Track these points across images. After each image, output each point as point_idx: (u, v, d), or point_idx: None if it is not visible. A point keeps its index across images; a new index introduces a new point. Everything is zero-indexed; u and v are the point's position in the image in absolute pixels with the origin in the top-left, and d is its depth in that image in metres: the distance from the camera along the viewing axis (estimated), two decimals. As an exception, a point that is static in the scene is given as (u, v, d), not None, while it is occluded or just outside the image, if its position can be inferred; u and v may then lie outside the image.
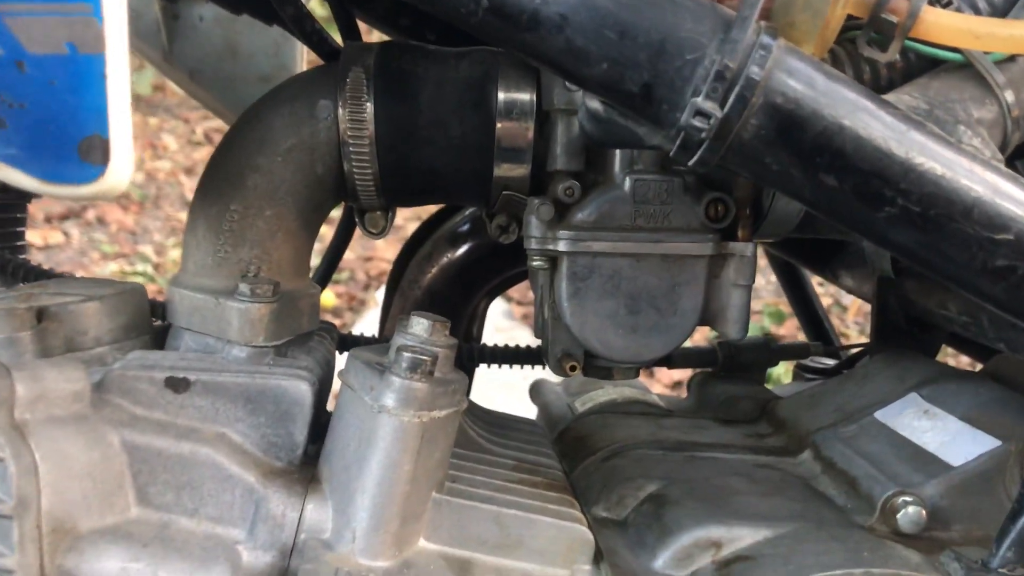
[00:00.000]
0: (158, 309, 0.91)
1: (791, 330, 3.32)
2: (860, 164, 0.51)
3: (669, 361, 1.06)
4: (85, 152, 0.47)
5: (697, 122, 0.50)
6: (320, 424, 0.71)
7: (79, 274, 3.66)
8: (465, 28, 0.55)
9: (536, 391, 1.14)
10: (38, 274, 0.99)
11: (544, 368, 1.11)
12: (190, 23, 1.12)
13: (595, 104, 0.56)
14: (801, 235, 0.82)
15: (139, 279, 3.89)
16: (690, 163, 0.53)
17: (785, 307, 3.18)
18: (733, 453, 0.86)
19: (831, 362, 1.17)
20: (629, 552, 0.72)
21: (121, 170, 0.48)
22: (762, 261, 1.13)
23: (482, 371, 1.10)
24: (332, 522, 0.65)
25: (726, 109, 0.50)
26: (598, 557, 0.70)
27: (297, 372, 0.69)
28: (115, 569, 0.61)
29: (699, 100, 0.50)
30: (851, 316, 3.51)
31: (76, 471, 0.61)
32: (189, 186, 4.54)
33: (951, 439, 0.78)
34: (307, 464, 0.69)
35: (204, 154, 4.77)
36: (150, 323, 0.78)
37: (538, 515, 0.70)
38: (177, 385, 0.67)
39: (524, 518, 0.69)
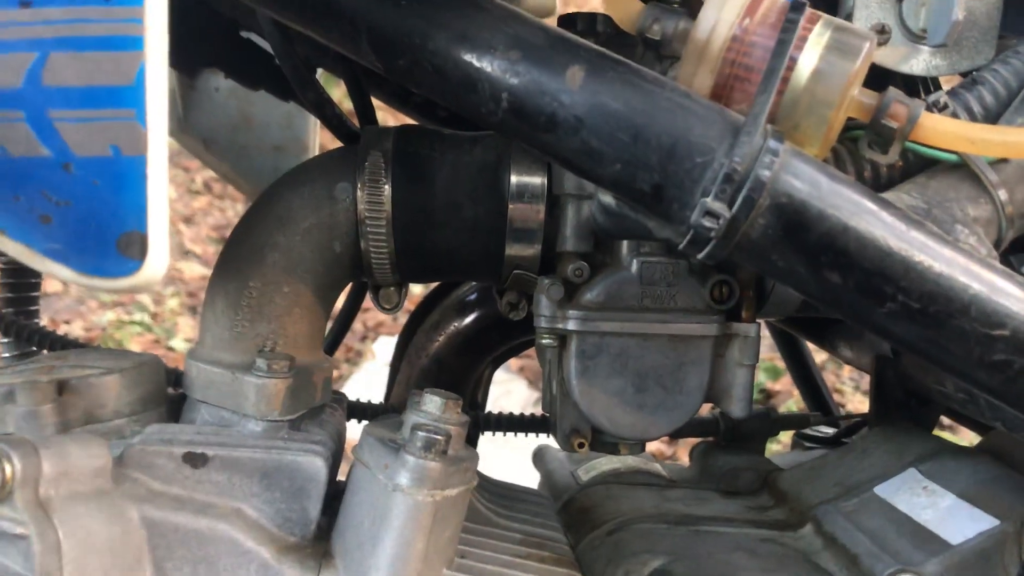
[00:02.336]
0: (171, 377, 0.93)
1: (787, 385, 3.33)
2: (863, 263, 0.54)
3: (678, 432, 1.08)
4: (124, 247, 0.49)
5: (706, 222, 0.53)
6: (332, 496, 0.72)
7: (76, 324, 3.66)
8: (485, 127, 0.58)
9: (539, 457, 1.15)
10: (51, 339, 1.01)
11: (548, 436, 1.13)
12: (206, 94, 1.15)
13: (608, 199, 0.59)
14: (803, 315, 0.84)
15: (136, 328, 3.90)
16: (699, 257, 0.56)
17: (780, 362, 3.19)
18: (736, 527, 0.88)
19: (830, 431, 1.19)
20: (638, 631, 0.73)
21: (157, 264, 0.50)
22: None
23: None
24: (345, 597, 0.66)
25: (734, 210, 0.53)
26: (606, 635, 0.71)
27: (312, 447, 0.71)
28: (133, 645, 0.62)
29: (708, 201, 0.53)
30: (846, 373, 3.53)
31: (97, 547, 0.63)
32: (188, 235, 4.56)
33: (950, 516, 0.79)
34: (320, 539, 0.70)
35: (203, 203, 4.81)
36: (166, 395, 0.80)
37: (545, 588, 0.71)
38: (195, 460, 0.69)
39: (533, 594, 0.71)
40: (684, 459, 1.80)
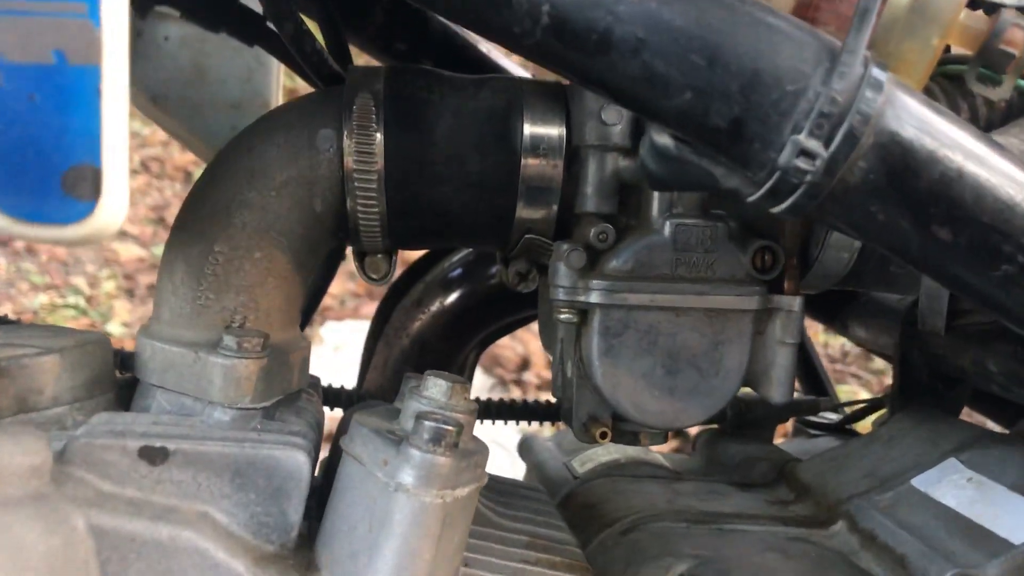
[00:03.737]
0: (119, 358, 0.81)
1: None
2: (979, 216, 0.45)
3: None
4: (71, 185, 0.38)
5: (800, 163, 0.43)
6: (316, 503, 0.62)
7: (5, 307, 3.49)
8: (518, 52, 0.47)
9: (526, 448, 1.05)
10: (-18, 317, 0.88)
11: (541, 424, 1.03)
12: (154, 43, 1.02)
13: (665, 140, 0.49)
14: (843, 287, 0.75)
15: (71, 312, 3.72)
16: (779, 209, 0.46)
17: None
18: (761, 524, 0.79)
19: (835, 417, 1.11)
20: (665, 646, 0.64)
21: (115, 207, 0.39)
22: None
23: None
24: (336, 617, 0.56)
25: (832, 149, 0.43)
26: (632, 652, 0.62)
27: (291, 439, 0.60)
28: None
29: (802, 138, 0.43)
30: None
31: (32, 563, 0.51)
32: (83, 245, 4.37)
33: (1005, 512, 0.71)
34: (302, 547, 0.60)
35: (141, 183, 4.61)
36: (115, 379, 0.68)
37: (561, 599, 0.61)
38: (153, 456, 0.58)
39: (548, 606, 0.61)
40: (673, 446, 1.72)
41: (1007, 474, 0.75)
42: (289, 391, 0.67)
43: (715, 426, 1.00)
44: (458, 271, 0.93)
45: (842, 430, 1.10)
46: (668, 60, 0.44)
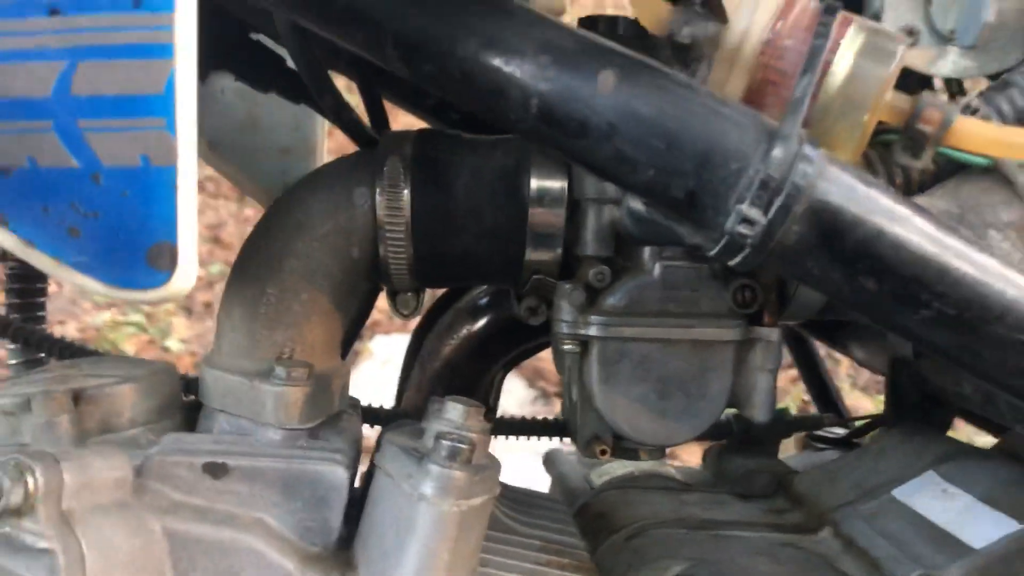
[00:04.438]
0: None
1: (783, 381, 3.33)
2: (898, 269, 0.53)
3: (684, 433, 1.07)
4: (153, 259, 0.48)
5: (742, 228, 0.52)
6: (351, 504, 0.71)
7: (70, 325, 3.65)
8: (514, 133, 0.57)
9: (551, 461, 1.14)
10: (59, 346, 1.00)
11: (560, 440, 1.12)
12: (213, 95, 1.13)
13: (638, 205, 0.58)
14: (822, 318, 0.83)
15: (131, 329, 3.88)
16: (733, 264, 0.55)
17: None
18: (755, 531, 0.87)
19: (841, 432, 1.19)
20: (659, 637, 0.73)
21: (187, 275, 0.49)
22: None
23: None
24: (369, 608, 0.66)
25: (770, 216, 0.52)
26: (629, 641, 0.70)
27: (332, 456, 0.70)
28: (157, 658, 0.61)
29: (744, 207, 0.52)
30: (843, 369, 3.53)
31: (120, 560, 0.62)
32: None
33: (971, 519, 0.79)
34: (342, 549, 0.69)
35: (197, 202, 4.77)
36: (181, 403, 0.79)
37: (566, 594, 0.70)
38: (216, 471, 0.68)
39: (555, 600, 0.70)
40: (687, 460, 1.80)
41: (978, 485, 0.83)
42: (331, 413, 0.77)
43: (723, 441, 1.09)
44: (484, 300, 1.03)
45: (847, 444, 1.17)
46: (634, 144, 0.54)
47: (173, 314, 4.08)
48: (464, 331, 1.03)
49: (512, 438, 1.09)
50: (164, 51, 0.46)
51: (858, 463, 0.95)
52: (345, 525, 0.71)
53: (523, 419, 1.06)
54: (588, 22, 0.74)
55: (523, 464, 1.28)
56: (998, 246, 0.57)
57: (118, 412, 0.73)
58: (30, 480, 0.59)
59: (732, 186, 0.53)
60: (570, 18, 0.93)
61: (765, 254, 0.54)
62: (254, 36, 0.99)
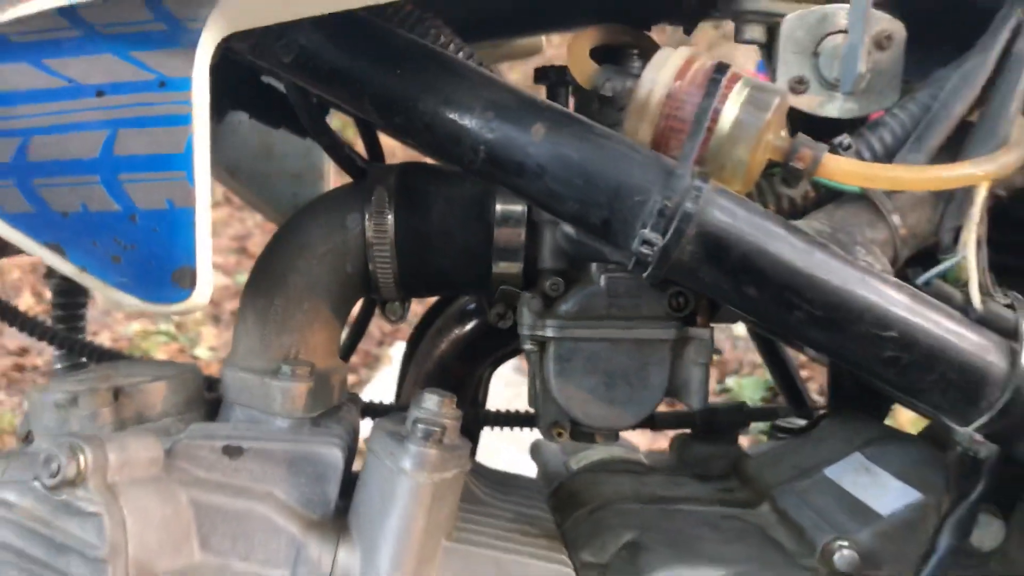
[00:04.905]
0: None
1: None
2: (774, 279, 0.66)
3: (653, 424, 1.20)
4: (177, 279, 0.62)
5: (644, 249, 0.65)
6: (348, 482, 0.85)
7: (103, 335, 3.81)
8: (467, 173, 0.70)
9: (536, 451, 1.27)
10: (100, 353, 1.14)
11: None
12: (231, 127, 1.28)
13: (569, 229, 0.71)
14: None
15: (162, 338, 4.04)
16: (643, 276, 0.68)
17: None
18: (703, 505, 1.00)
19: (802, 423, 1.31)
20: (611, 593, 0.86)
21: (203, 292, 0.63)
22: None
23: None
24: (360, 565, 0.79)
25: (667, 239, 0.65)
26: (582, 594, 0.83)
27: (330, 440, 0.84)
28: (185, 604, 0.75)
29: (646, 232, 0.65)
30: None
31: (154, 523, 0.75)
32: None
33: (884, 493, 0.91)
34: (338, 517, 0.83)
35: (223, 214, 4.94)
36: (204, 398, 0.93)
37: (531, 559, 0.83)
38: (233, 452, 0.82)
39: (519, 562, 0.83)
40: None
41: (894, 464, 0.94)
42: (331, 405, 0.91)
43: (687, 431, 1.21)
44: (471, 306, 1.16)
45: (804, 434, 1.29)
46: (560, 182, 0.67)
47: (202, 323, 4.24)
48: (453, 335, 1.16)
49: (506, 431, 1.22)
50: (184, 120, 0.60)
51: (800, 447, 1.07)
52: (342, 499, 0.84)
53: (507, 412, 1.20)
54: (543, 71, 0.87)
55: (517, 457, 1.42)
56: (863, 259, 0.69)
57: (151, 405, 0.86)
58: (81, 458, 0.73)
59: (637, 214, 0.66)
60: (542, 59, 1.07)
61: (666, 269, 0.66)
62: (265, 79, 1.13)
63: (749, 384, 3.21)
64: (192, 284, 0.62)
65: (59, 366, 1.17)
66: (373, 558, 0.78)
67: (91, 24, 0.58)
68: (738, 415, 1.20)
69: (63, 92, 0.59)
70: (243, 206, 5.24)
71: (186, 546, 0.77)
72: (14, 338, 3.81)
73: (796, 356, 1.38)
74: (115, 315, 4.22)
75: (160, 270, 0.62)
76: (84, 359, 1.16)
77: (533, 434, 1.28)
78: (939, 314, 0.68)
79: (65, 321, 1.18)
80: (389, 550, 0.78)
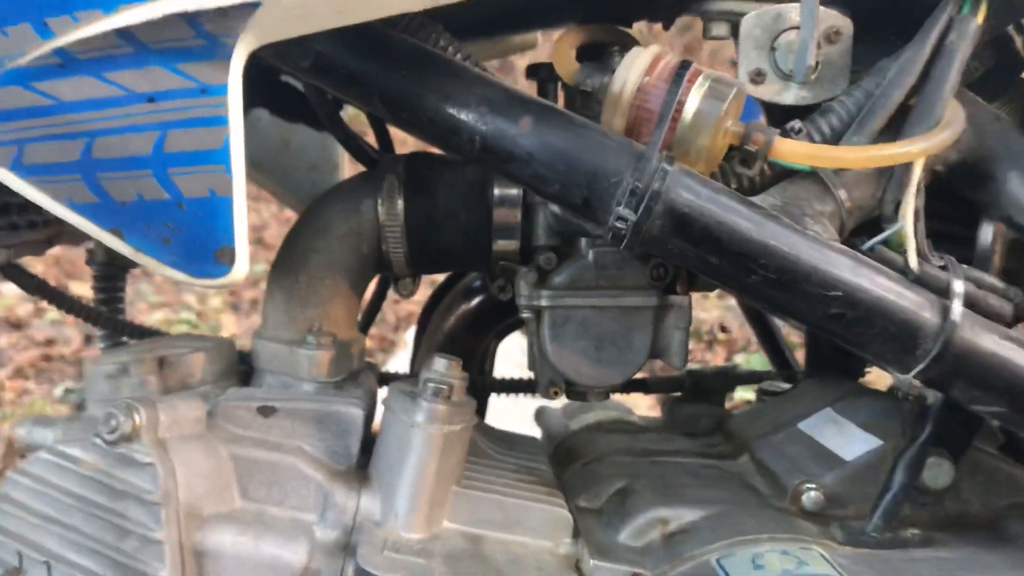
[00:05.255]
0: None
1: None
2: (733, 248, 0.76)
3: (646, 387, 1.30)
4: (219, 258, 0.73)
5: (618, 224, 0.75)
6: (368, 440, 0.95)
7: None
8: (465, 160, 0.80)
9: (540, 416, 1.38)
10: (139, 331, 1.25)
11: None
12: (252, 123, 1.38)
13: (555, 208, 0.81)
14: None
15: (183, 327, 4.17)
16: (620, 249, 0.78)
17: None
18: (688, 458, 1.10)
19: (786, 386, 1.41)
20: (601, 531, 0.96)
21: (241, 267, 0.74)
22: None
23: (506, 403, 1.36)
24: (380, 508, 0.89)
25: (638, 215, 0.75)
26: (576, 533, 0.94)
27: (352, 400, 0.94)
28: (229, 542, 0.85)
29: (620, 209, 0.75)
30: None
31: (200, 473, 0.86)
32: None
33: (849, 441, 1.01)
34: (360, 468, 0.93)
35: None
36: (237, 368, 1.04)
37: (531, 503, 0.94)
38: (267, 412, 0.93)
39: (521, 504, 0.93)
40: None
41: (860, 416, 1.04)
42: (351, 371, 1.01)
43: (679, 394, 1.32)
44: (477, 283, 1.27)
45: (790, 395, 1.39)
46: (545, 167, 0.77)
47: (221, 311, 4.37)
48: (460, 310, 1.27)
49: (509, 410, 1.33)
50: (222, 121, 0.70)
51: (779, 405, 1.17)
52: (362, 454, 0.95)
53: (511, 379, 1.30)
54: (534, 68, 0.97)
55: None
56: (812, 229, 0.79)
57: (192, 374, 0.97)
58: (136, 416, 0.84)
59: (612, 194, 0.76)
60: (535, 55, 1.17)
61: (639, 241, 0.77)
62: (284, 78, 1.23)
63: (756, 360, 3.30)
64: (232, 261, 0.73)
65: (101, 345, 1.28)
66: (392, 501, 0.89)
67: (143, 42, 0.68)
68: (724, 378, 1.31)
69: (120, 100, 0.69)
70: (259, 197, 5.36)
71: (228, 493, 0.88)
72: (41, 330, 3.95)
73: (783, 325, 1.48)
74: (138, 305, 4.35)
75: (204, 249, 0.73)
76: (124, 337, 1.27)
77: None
78: (879, 275, 0.78)
79: (106, 303, 1.30)
80: (406, 494, 0.88)
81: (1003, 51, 0.96)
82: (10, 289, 4.15)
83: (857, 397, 1.09)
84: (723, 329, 3.74)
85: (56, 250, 3.72)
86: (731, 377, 1.31)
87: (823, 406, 1.10)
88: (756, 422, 1.15)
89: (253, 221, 5.04)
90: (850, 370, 1.22)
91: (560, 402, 1.42)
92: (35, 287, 1.18)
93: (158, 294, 4.46)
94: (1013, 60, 0.97)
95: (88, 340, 3.76)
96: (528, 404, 1.39)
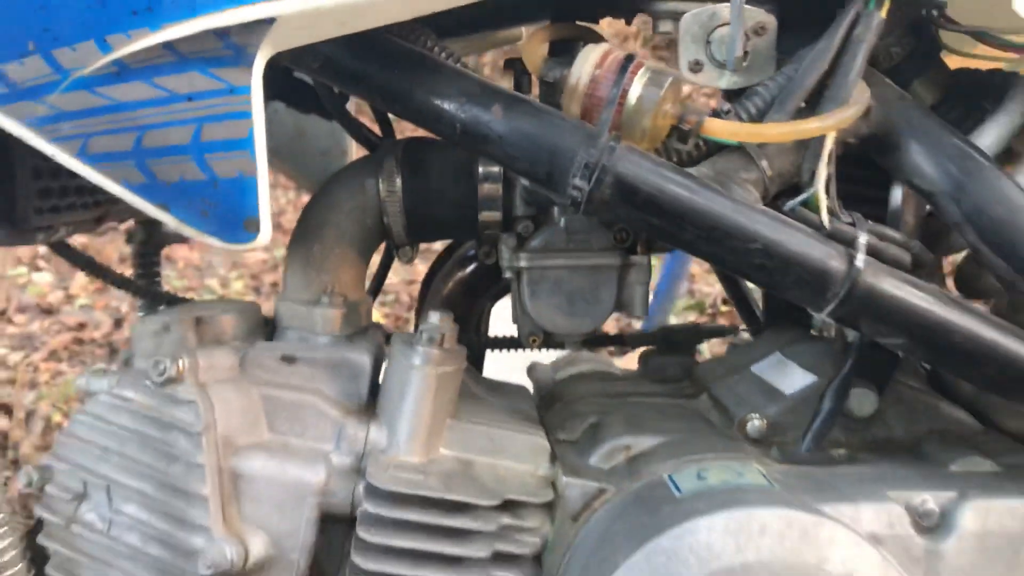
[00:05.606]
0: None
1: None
2: (670, 210, 0.91)
3: (623, 341, 1.47)
4: (247, 226, 0.89)
5: (574, 193, 0.91)
6: (375, 384, 1.12)
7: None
8: (449, 143, 0.96)
9: (531, 370, 1.54)
10: (175, 299, 1.42)
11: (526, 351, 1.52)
12: (269, 114, 1.54)
13: (525, 181, 0.97)
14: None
15: (207, 310, 4.34)
16: (579, 213, 0.94)
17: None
18: (655, 398, 1.26)
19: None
20: (575, 456, 1.12)
21: (265, 234, 0.90)
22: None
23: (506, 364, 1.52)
24: (385, 438, 1.05)
25: (591, 185, 0.91)
26: (553, 458, 1.10)
27: (361, 350, 1.10)
28: (259, 466, 1.01)
29: (576, 180, 0.91)
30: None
31: (234, 410, 1.03)
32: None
33: (791, 379, 1.17)
34: (369, 407, 1.10)
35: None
36: (263, 327, 1.21)
37: (515, 433, 1.10)
38: (288, 360, 1.09)
39: (506, 434, 1.09)
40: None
41: (803, 358, 1.19)
42: (360, 327, 1.18)
43: (652, 347, 1.47)
44: (471, 251, 1.43)
45: (756, 348, 1.54)
46: (514, 147, 0.93)
47: (244, 294, 4.55)
48: (457, 276, 1.43)
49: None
50: (246, 115, 0.87)
51: (737, 353, 1.33)
52: (370, 395, 1.11)
53: (504, 337, 1.47)
54: (510, 63, 1.13)
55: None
56: (738, 194, 0.94)
57: (224, 331, 1.14)
58: (180, 362, 1.00)
59: (569, 168, 0.91)
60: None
61: (593, 208, 0.92)
62: (297, 75, 1.40)
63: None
64: (257, 229, 0.89)
65: (140, 314, 1.46)
66: (395, 432, 1.05)
67: (182, 52, 0.84)
68: (694, 332, 1.46)
69: (164, 100, 0.86)
70: (276, 185, 5.54)
71: (257, 427, 1.05)
72: (72, 315, 4.13)
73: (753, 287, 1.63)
74: (165, 287, 4.53)
75: (235, 220, 0.89)
76: (161, 307, 1.44)
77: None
78: (795, 231, 0.93)
79: (144, 277, 1.47)
80: (406, 425, 1.05)
81: (922, 36, 1.11)
82: (41, 278, 4.35)
83: (805, 343, 1.24)
84: (725, 302, 3.89)
85: (83, 240, 3.89)
86: (699, 332, 1.47)
87: (774, 351, 1.26)
88: (717, 368, 1.31)
89: (271, 208, 5.22)
90: (801, 321, 1.38)
91: (550, 359, 1.59)
92: (84, 263, 1.35)
93: (181, 279, 4.63)
94: (931, 44, 1.12)
95: (118, 324, 3.94)
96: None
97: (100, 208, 1.16)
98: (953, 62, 1.18)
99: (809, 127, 0.94)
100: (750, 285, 1.62)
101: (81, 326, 4.02)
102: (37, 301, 4.21)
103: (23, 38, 0.83)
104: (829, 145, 0.95)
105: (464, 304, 1.43)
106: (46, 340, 3.85)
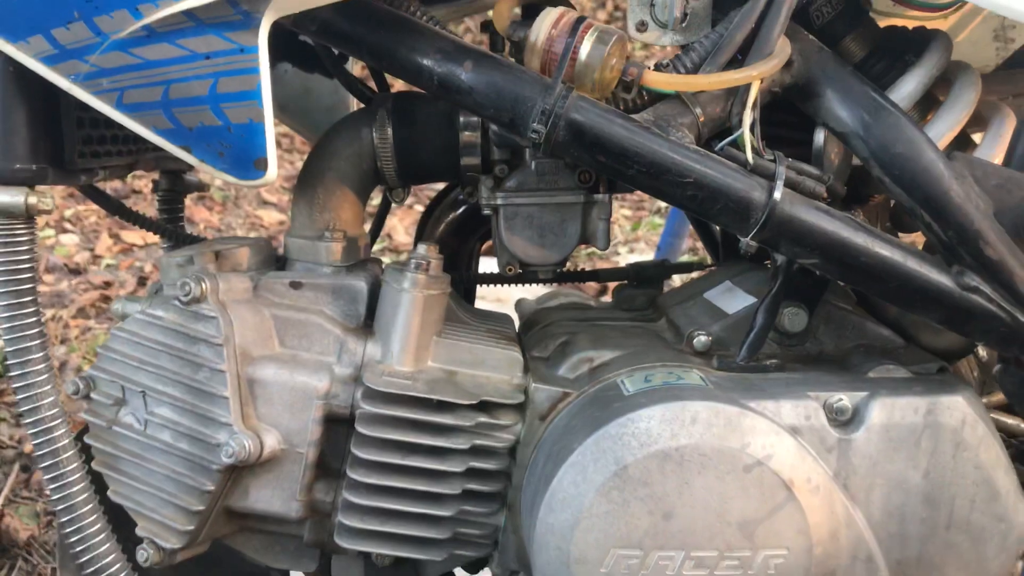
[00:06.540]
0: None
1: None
2: (614, 150, 1.08)
3: (598, 277, 1.63)
4: (258, 165, 1.06)
5: (533, 136, 1.07)
6: (372, 307, 1.29)
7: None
8: (430, 95, 1.13)
9: (518, 305, 1.72)
10: (194, 239, 1.60)
11: (517, 286, 1.69)
12: (278, 74, 1.70)
13: (495, 128, 1.14)
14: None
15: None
16: (540, 154, 1.11)
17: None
18: (620, 322, 1.43)
19: (719, 277, 1.72)
20: (546, 369, 1.29)
21: (272, 172, 1.07)
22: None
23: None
24: (380, 351, 1.22)
25: (547, 129, 1.07)
26: (527, 369, 1.27)
27: (359, 276, 1.26)
28: (272, 374, 1.19)
29: (535, 125, 1.07)
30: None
31: (250, 326, 1.20)
32: (266, 188, 5.19)
33: (735, 302, 1.33)
34: (366, 327, 1.27)
35: (277, 156, 5.39)
36: (275, 260, 1.38)
37: (494, 348, 1.27)
38: (296, 285, 1.26)
39: (486, 349, 1.26)
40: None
41: (748, 283, 1.36)
42: (358, 259, 1.35)
43: (624, 283, 1.64)
44: (460, 196, 1.60)
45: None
46: (483, 96, 1.09)
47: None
48: (449, 218, 1.60)
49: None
50: (255, 71, 1.03)
51: (696, 283, 1.49)
52: (368, 317, 1.28)
53: (490, 273, 1.64)
54: (486, 24, 1.29)
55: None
56: (674, 136, 1.10)
57: (240, 263, 1.31)
58: (203, 284, 1.18)
59: (529, 114, 1.07)
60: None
61: (550, 147, 1.09)
62: (302, 38, 1.56)
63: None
64: (266, 168, 1.06)
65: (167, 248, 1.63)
66: (388, 346, 1.22)
67: (200, 18, 1.01)
68: (661, 268, 1.63)
69: (187, 58, 1.02)
70: (291, 148, 5.71)
71: (270, 342, 1.22)
72: (98, 275, 4.33)
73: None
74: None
75: (247, 160, 1.06)
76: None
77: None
78: (722, 167, 1.09)
79: (170, 221, 1.64)
80: (398, 340, 1.22)
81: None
82: (68, 239, 4.54)
83: (753, 272, 1.41)
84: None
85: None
86: (667, 267, 1.63)
87: (725, 280, 1.42)
88: (676, 296, 1.48)
89: (287, 171, 5.41)
90: (754, 257, 1.54)
91: (535, 294, 1.76)
92: (115, 208, 1.53)
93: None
94: (858, 5, 1.27)
95: (142, 282, 4.14)
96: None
97: (132, 156, 1.33)
98: (883, 21, 1.33)
99: (735, 76, 1.09)
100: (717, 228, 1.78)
101: (107, 284, 4.22)
102: (64, 262, 4.41)
103: (69, 7, 1.00)
104: (754, 93, 1.11)
105: (455, 243, 1.60)
106: (74, 298, 4.05)
